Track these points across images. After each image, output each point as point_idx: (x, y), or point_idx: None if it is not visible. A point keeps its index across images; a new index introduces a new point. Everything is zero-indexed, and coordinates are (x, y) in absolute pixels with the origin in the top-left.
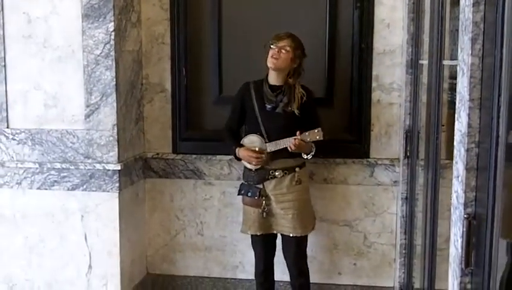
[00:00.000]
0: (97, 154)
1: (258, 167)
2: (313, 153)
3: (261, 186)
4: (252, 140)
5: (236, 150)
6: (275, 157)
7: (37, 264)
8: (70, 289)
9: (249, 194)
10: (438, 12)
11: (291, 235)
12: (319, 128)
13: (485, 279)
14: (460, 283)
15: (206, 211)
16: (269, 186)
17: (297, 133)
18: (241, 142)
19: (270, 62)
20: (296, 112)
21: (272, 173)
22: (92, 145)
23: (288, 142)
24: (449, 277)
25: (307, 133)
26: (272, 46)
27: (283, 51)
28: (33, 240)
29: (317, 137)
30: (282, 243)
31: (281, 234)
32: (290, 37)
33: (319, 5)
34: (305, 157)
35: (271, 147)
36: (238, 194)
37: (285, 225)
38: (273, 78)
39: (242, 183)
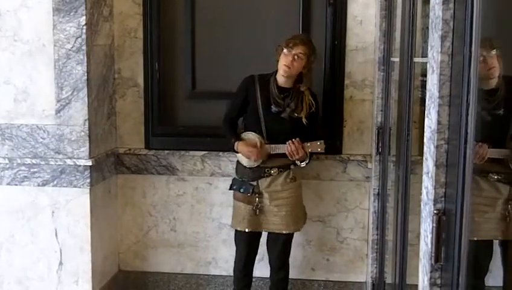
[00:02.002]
0: (68, 149)
1: (256, 164)
2: (307, 161)
3: (255, 183)
4: (250, 139)
5: (236, 143)
6: (271, 155)
7: (6, 260)
8: (41, 285)
9: (242, 190)
10: (409, 9)
11: (284, 232)
12: (322, 141)
13: (455, 274)
14: (430, 278)
15: (179, 207)
16: (264, 183)
17: (297, 139)
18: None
19: (282, 70)
20: (304, 120)
21: (268, 171)
22: (62, 141)
23: (286, 148)
24: (419, 273)
25: (308, 144)
26: (284, 50)
27: (296, 58)
28: (3, 236)
29: (319, 149)
30: (269, 239)
31: (269, 232)
32: (306, 44)
33: (292, 1)
34: (299, 164)
35: (269, 150)
36: (230, 189)
37: (276, 222)
38: (282, 80)
39: (234, 178)
